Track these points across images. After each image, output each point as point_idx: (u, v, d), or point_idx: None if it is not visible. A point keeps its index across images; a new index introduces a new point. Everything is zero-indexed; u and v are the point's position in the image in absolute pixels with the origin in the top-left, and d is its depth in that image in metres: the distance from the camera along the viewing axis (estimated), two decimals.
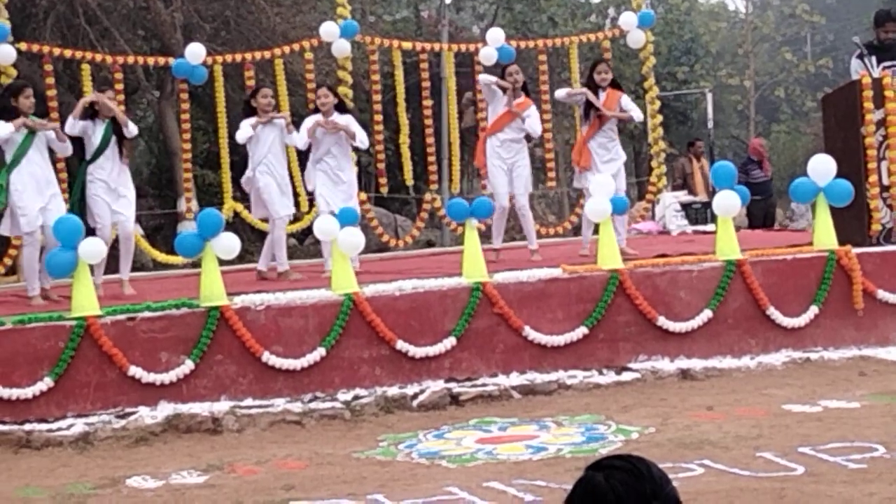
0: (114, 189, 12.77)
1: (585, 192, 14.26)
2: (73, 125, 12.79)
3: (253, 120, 13.54)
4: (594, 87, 14.13)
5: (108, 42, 23.32)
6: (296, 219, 16.31)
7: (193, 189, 18.41)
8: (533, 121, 14.13)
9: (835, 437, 8.80)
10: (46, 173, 12.46)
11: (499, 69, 14.94)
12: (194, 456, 9.49)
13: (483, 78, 14.45)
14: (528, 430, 9.79)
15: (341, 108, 13.87)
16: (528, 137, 14.35)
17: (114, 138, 12.82)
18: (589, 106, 14.09)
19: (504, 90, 14.07)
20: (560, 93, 15.06)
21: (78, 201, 12.79)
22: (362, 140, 13.62)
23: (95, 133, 12.79)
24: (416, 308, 11.46)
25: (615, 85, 14.31)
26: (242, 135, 13.54)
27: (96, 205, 12.68)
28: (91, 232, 11.97)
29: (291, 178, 14.85)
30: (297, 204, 15.34)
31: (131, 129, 13.06)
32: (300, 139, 13.59)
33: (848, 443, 8.58)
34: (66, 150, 12.91)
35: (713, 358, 11.91)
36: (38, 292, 12.34)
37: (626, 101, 14.33)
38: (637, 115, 14.62)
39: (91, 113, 12.91)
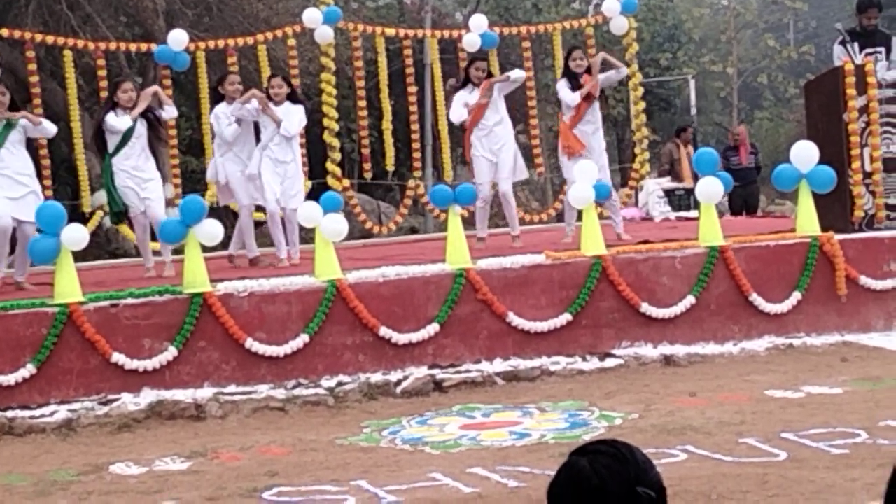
0: (138, 176, 12.72)
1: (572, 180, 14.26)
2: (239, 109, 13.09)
3: (230, 109, 13.45)
4: (571, 75, 14.07)
5: (90, 28, 23.25)
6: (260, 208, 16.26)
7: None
8: (502, 80, 14.22)
9: (817, 422, 8.83)
10: (21, 166, 12.34)
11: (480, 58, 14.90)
12: (177, 442, 9.48)
13: (457, 117, 14.31)
14: (511, 416, 9.80)
15: (293, 97, 13.78)
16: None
17: (139, 129, 12.74)
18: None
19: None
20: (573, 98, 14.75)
21: (113, 192, 12.73)
22: (286, 128, 13.46)
23: (118, 124, 12.70)
24: (400, 294, 11.46)
25: (590, 72, 14.25)
26: (231, 132, 13.44)
27: (125, 195, 12.65)
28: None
29: None
30: None
31: (166, 115, 13.14)
32: (233, 108, 13.53)
33: (830, 428, 8.61)
34: (47, 130, 12.87)
35: (696, 344, 11.94)
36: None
37: (602, 77, 14.29)
38: (623, 70, 14.66)
39: (112, 105, 12.84)
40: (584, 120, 13.98)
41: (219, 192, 14.13)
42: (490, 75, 14.41)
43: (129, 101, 12.72)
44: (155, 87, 13.73)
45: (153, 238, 12.80)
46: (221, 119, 13.52)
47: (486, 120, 14.03)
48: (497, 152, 14.02)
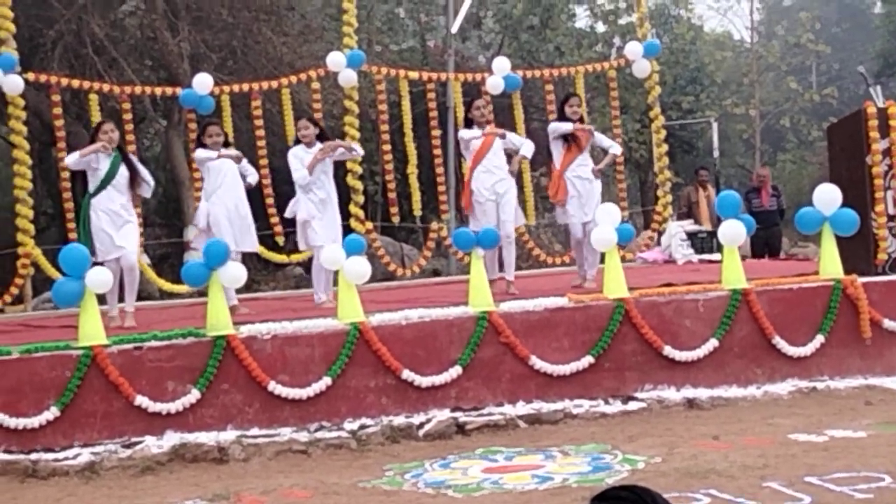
0: (117, 221, 12.73)
1: (570, 226, 14.29)
2: (77, 162, 12.85)
3: (209, 152, 13.53)
4: (565, 120, 14.10)
5: (115, 72, 23.43)
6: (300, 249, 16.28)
7: None
8: (514, 136, 14.17)
9: (841, 466, 8.79)
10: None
11: (504, 101, 14.91)
12: (200, 485, 9.48)
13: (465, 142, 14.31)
14: (534, 459, 9.78)
15: (322, 138, 13.86)
16: (511, 155, 14.26)
17: (121, 170, 12.79)
18: (566, 137, 14.05)
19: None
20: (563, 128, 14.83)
21: (86, 234, 12.78)
22: (356, 148, 13.68)
23: (101, 165, 12.76)
24: (422, 337, 11.46)
25: (583, 120, 14.31)
26: (202, 156, 13.54)
27: (98, 238, 12.63)
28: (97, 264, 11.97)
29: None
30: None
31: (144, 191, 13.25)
32: (301, 175, 13.57)
33: (854, 472, 8.57)
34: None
35: (719, 387, 11.90)
36: None
37: (598, 136, 14.38)
38: (616, 149, 14.69)
39: (92, 141, 12.91)
40: (577, 163, 14.01)
41: (197, 236, 13.98)
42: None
43: (110, 142, 12.72)
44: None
45: (121, 285, 12.71)
46: (199, 157, 13.60)
47: (488, 160, 13.95)
48: (502, 195, 13.95)
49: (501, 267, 14.30)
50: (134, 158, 13.18)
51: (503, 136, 14.03)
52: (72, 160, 13.05)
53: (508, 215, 13.98)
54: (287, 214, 14.08)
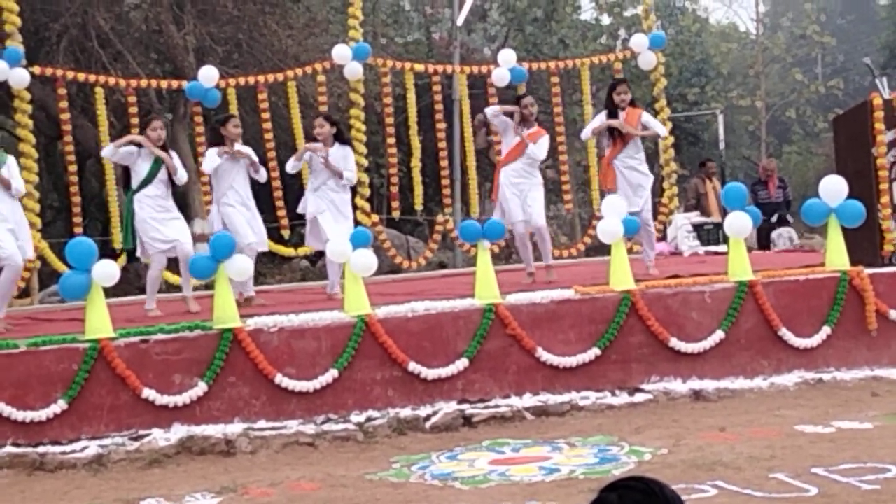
0: (164, 216, 12.82)
1: None
2: (114, 152, 12.91)
3: (217, 149, 13.49)
4: (613, 108, 14.12)
5: (120, 65, 23.45)
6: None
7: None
8: (539, 147, 14.13)
9: (848, 457, 8.79)
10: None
11: (510, 93, 14.94)
12: (208, 478, 9.50)
13: (490, 111, 14.46)
14: (541, 451, 9.78)
15: (340, 137, 13.84)
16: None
17: (163, 168, 12.85)
18: (611, 128, 14.09)
19: (511, 115, 14.10)
20: (585, 133, 14.98)
21: (130, 231, 12.84)
22: (349, 178, 13.66)
23: (142, 163, 12.81)
24: (429, 329, 11.47)
25: (634, 104, 14.32)
26: (209, 164, 13.47)
27: (145, 231, 12.70)
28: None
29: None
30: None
31: (180, 177, 13.14)
32: (289, 165, 13.64)
33: (861, 464, 8.57)
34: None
35: (725, 379, 11.91)
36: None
37: (647, 117, 14.40)
38: (661, 130, 14.71)
39: (138, 142, 12.95)
40: (626, 153, 14.04)
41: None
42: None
43: (158, 140, 12.82)
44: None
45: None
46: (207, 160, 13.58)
47: (518, 163, 14.03)
48: (527, 193, 14.00)
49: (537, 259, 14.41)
50: (175, 156, 13.18)
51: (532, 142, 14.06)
52: (108, 151, 13.25)
53: (535, 209, 14.05)
54: (299, 210, 14.12)
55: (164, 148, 13.00)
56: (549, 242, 14.49)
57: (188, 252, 12.68)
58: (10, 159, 12.53)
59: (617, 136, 14.05)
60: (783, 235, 20.44)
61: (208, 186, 17.19)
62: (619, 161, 14.08)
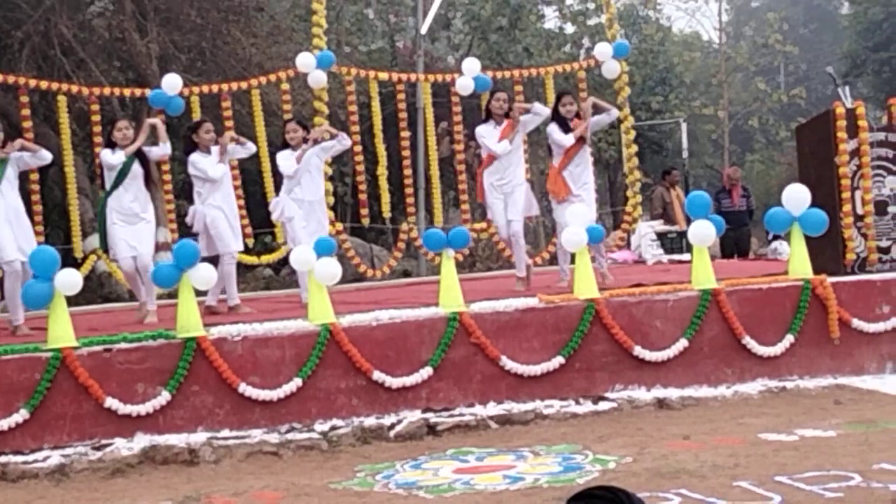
0: (131, 220, 12.76)
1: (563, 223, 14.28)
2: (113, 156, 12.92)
3: (214, 157, 13.54)
4: (560, 119, 14.07)
5: (83, 73, 23.33)
6: (271, 249, 16.31)
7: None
8: (534, 112, 14.17)
9: (811, 465, 8.82)
10: (16, 204, 12.44)
11: (473, 102, 14.91)
12: (171, 487, 9.46)
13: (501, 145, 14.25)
14: (505, 459, 9.79)
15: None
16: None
17: (134, 168, 12.80)
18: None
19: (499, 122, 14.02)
20: (568, 140, 14.78)
21: (103, 233, 12.79)
22: (343, 138, 13.81)
23: (114, 163, 12.76)
24: (393, 338, 11.46)
25: (579, 116, 14.24)
26: (216, 172, 13.49)
27: (111, 237, 12.66)
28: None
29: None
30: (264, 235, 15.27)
31: (159, 151, 13.16)
32: (288, 165, 13.61)
33: (824, 472, 8.60)
34: (44, 157, 12.89)
35: (689, 387, 11.94)
36: (22, 321, 12.37)
37: (593, 122, 14.27)
38: (614, 112, 14.68)
39: (110, 143, 12.91)
40: (574, 162, 13.99)
41: (201, 239, 13.99)
42: (509, 109, 14.26)
43: (124, 139, 12.78)
44: (156, 120, 13.72)
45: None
46: (198, 165, 13.56)
47: (500, 162, 13.98)
48: (511, 191, 13.97)
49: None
50: (147, 149, 13.15)
51: (514, 135, 13.99)
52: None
53: (514, 215, 14.00)
54: (273, 217, 14.16)
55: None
56: (522, 250, 14.35)
57: (145, 264, 12.62)
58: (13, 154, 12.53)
59: (568, 146, 13.99)
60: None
61: (171, 195, 17.21)
62: (567, 171, 14.01)
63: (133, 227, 12.74)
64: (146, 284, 12.86)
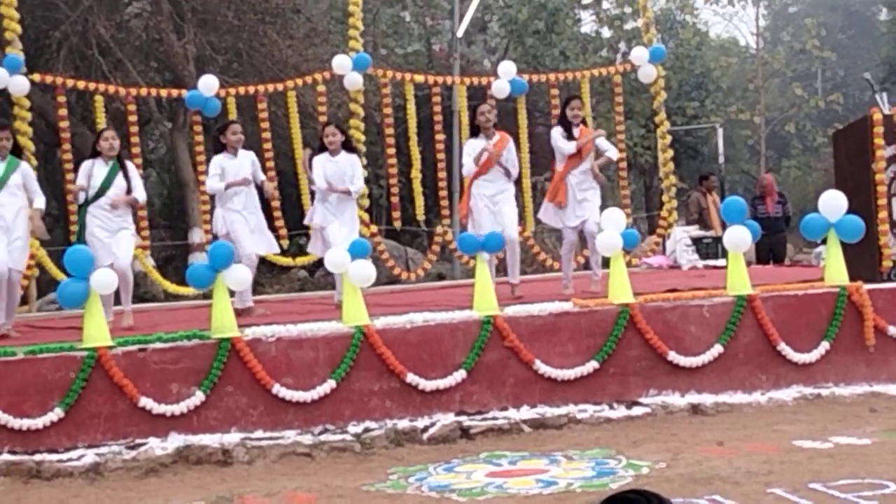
0: (111, 227, 12.75)
1: (564, 230, 14.25)
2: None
3: (220, 168, 13.56)
4: (567, 123, 14.05)
5: (120, 73, 23.45)
6: (305, 252, 16.34)
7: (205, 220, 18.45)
8: (511, 159, 13.95)
9: (846, 473, 8.78)
10: (15, 211, 12.41)
11: (509, 105, 14.87)
12: (204, 488, 9.48)
13: (465, 171, 14.17)
14: (538, 464, 9.77)
15: (348, 146, 13.90)
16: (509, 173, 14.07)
17: (117, 181, 12.80)
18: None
19: (484, 151, 13.86)
20: (569, 148, 14.68)
21: (81, 241, 12.77)
22: (356, 189, 13.70)
23: (97, 173, 12.79)
24: (427, 341, 11.45)
25: (586, 122, 14.20)
26: (213, 186, 13.55)
27: (92, 245, 12.58)
28: None
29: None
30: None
31: (139, 197, 13.21)
32: (319, 178, 13.58)
33: (859, 479, 8.56)
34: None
35: (724, 393, 11.89)
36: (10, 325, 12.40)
37: (601, 140, 14.26)
38: (614, 153, 14.61)
39: (94, 153, 12.93)
40: (580, 168, 13.97)
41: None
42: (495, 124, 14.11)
43: (110, 150, 12.78)
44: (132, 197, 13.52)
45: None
46: (210, 171, 13.59)
47: (489, 175, 13.83)
48: (499, 203, 13.87)
49: (504, 271, 14.29)
50: (131, 169, 13.14)
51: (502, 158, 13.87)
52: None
53: (509, 219, 13.92)
54: (306, 222, 14.16)
55: (119, 158, 12.99)
56: (518, 258, 14.28)
57: (122, 269, 12.53)
58: (24, 165, 12.56)
59: (574, 153, 13.96)
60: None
61: (207, 196, 17.25)
62: (572, 176, 13.99)
63: (113, 234, 12.71)
64: (123, 289, 12.66)
